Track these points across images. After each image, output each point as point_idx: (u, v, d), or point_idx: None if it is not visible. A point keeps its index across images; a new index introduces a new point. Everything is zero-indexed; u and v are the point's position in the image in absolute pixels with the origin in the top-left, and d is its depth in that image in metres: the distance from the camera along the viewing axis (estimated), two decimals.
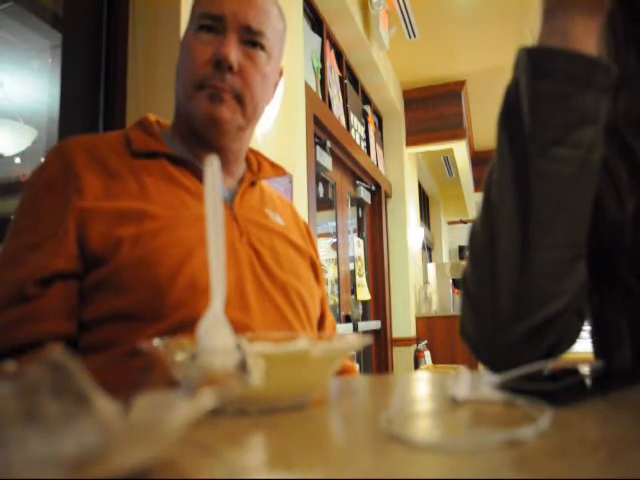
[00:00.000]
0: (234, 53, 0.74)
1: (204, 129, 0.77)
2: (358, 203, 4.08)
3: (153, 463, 0.23)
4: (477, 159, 6.41)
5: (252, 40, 0.76)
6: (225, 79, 0.74)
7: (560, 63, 0.47)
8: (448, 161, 5.99)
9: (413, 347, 4.39)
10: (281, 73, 0.87)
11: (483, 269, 0.51)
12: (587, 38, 0.48)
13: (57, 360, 0.22)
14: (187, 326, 0.59)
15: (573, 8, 0.48)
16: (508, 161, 0.49)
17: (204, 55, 0.74)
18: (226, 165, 0.82)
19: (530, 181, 0.47)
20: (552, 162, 0.47)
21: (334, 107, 3.16)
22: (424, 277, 5.46)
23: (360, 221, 4.19)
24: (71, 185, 0.68)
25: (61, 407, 0.21)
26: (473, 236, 0.53)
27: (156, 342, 0.40)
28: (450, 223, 8.45)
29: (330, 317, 0.92)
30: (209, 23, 0.75)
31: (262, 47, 0.77)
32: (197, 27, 0.76)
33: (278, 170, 0.92)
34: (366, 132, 4.06)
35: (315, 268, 0.89)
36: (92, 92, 1.51)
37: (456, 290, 5.20)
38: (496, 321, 0.50)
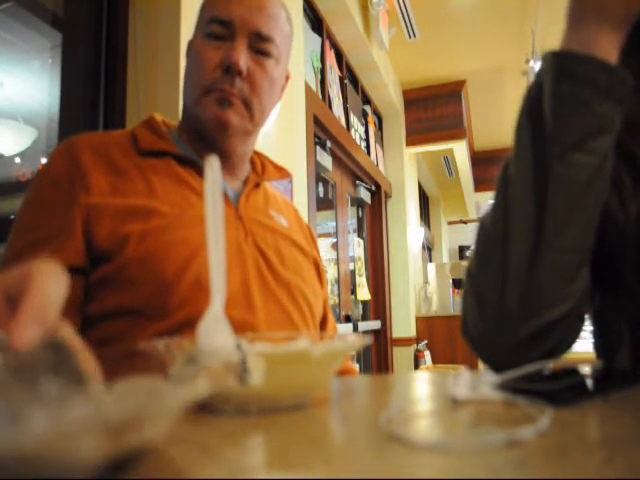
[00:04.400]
0: (244, 59, 0.74)
1: (212, 132, 0.77)
2: (358, 203, 4.08)
3: (148, 451, 0.23)
4: (477, 159, 6.41)
5: (261, 46, 0.77)
6: (234, 84, 0.74)
7: (585, 69, 0.48)
8: (448, 161, 5.99)
9: (413, 347, 4.39)
10: (288, 77, 0.87)
11: (492, 267, 0.51)
12: (612, 50, 0.49)
13: (57, 341, 0.23)
14: (192, 324, 0.60)
15: (604, 21, 0.49)
16: (528, 161, 0.49)
17: (213, 60, 0.74)
18: (232, 167, 0.82)
19: (548, 183, 0.48)
20: (570, 167, 0.48)
21: (334, 107, 3.16)
22: (424, 277, 5.45)
23: (360, 221, 4.19)
24: (78, 182, 0.68)
25: (60, 383, 0.22)
26: (483, 231, 0.53)
27: (156, 342, 0.40)
28: (450, 223, 8.45)
29: (331, 319, 0.92)
30: (218, 28, 0.75)
31: (271, 52, 0.78)
32: (206, 32, 0.77)
33: (282, 172, 0.92)
34: (366, 132, 4.05)
35: (318, 270, 0.89)
36: (92, 92, 1.51)
37: (456, 290, 5.20)
38: (500, 320, 0.50)
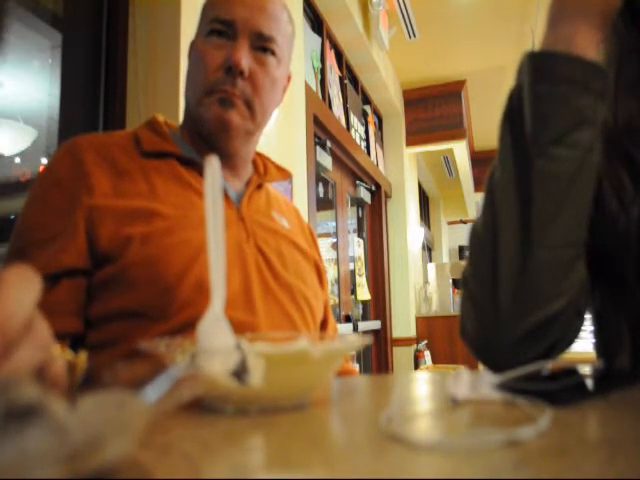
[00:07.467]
0: (245, 59, 0.74)
1: (214, 133, 0.77)
2: (358, 203, 4.08)
3: (121, 462, 0.23)
4: (477, 159, 6.41)
5: (263, 46, 0.77)
6: (236, 84, 0.74)
7: (560, 66, 0.49)
8: (448, 161, 5.99)
9: (413, 347, 4.39)
10: (289, 78, 0.87)
11: (485, 269, 0.51)
12: (589, 47, 0.49)
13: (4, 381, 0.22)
14: (194, 326, 0.60)
15: (581, 18, 0.50)
16: (510, 162, 0.50)
17: (215, 60, 0.74)
18: (234, 168, 0.82)
19: (531, 181, 0.48)
20: (552, 162, 0.48)
21: (334, 107, 3.15)
22: (424, 277, 5.45)
23: (360, 221, 4.19)
24: (81, 183, 0.68)
25: (14, 422, 0.22)
26: (475, 236, 0.54)
27: (157, 342, 0.40)
28: (450, 223, 8.44)
29: (332, 321, 0.92)
30: (220, 28, 0.75)
31: (272, 53, 0.78)
32: (208, 32, 0.77)
33: (284, 173, 0.92)
34: (366, 132, 4.05)
35: (319, 272, 0.89)
36: (92, 92, 1.51)
37: (456, 290, 5.20)
38: (497, 321, 0.50)
